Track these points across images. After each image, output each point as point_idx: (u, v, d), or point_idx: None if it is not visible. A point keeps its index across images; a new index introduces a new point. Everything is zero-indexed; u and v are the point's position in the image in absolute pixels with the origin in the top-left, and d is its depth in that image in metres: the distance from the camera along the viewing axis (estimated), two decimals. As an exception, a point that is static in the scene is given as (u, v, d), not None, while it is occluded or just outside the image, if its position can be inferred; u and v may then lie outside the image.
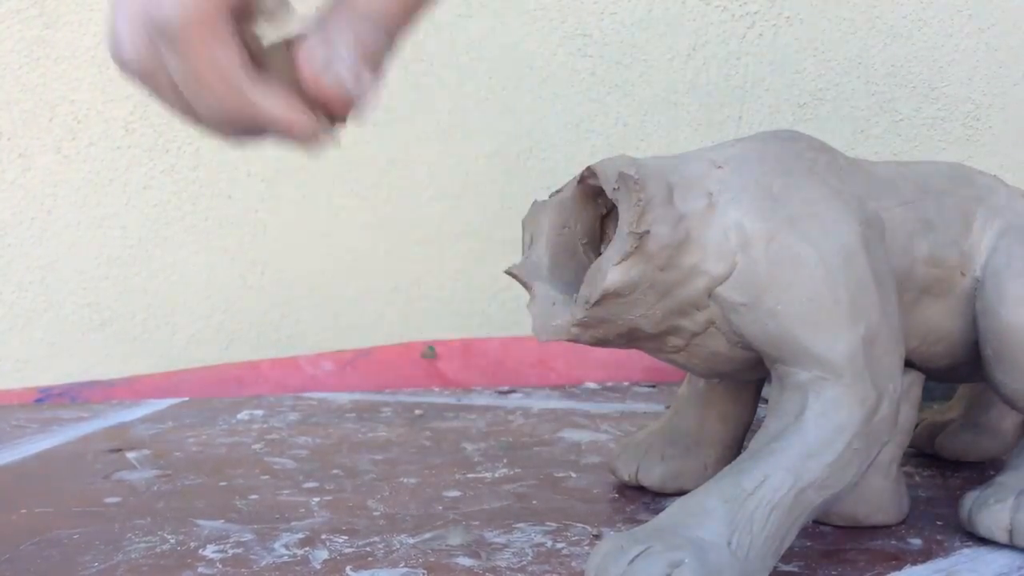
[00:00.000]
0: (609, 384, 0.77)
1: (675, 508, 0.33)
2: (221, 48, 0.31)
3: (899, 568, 0.36)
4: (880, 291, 0.35)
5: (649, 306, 0.34)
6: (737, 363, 0.37)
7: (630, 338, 0.36)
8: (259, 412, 0.65)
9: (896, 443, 0.40)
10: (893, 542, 0.39)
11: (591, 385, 0.76)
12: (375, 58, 0.33)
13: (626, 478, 0.46)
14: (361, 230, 0.80)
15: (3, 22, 0.74)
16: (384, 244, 0.80)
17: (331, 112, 0.33)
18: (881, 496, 0.40)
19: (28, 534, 0.40)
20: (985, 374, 0.40)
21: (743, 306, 0.34)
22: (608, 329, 0.35)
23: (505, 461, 0.52)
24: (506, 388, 0.76)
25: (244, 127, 0.32)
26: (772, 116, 0.81)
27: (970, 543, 0.39)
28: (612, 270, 0.33)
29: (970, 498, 0.40)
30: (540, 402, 0.69)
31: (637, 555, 0.30)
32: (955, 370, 0.42)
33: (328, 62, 0.32)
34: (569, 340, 0.36)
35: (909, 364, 0.41)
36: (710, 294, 0.34)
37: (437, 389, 0.76)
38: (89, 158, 0.76)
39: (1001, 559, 0.37)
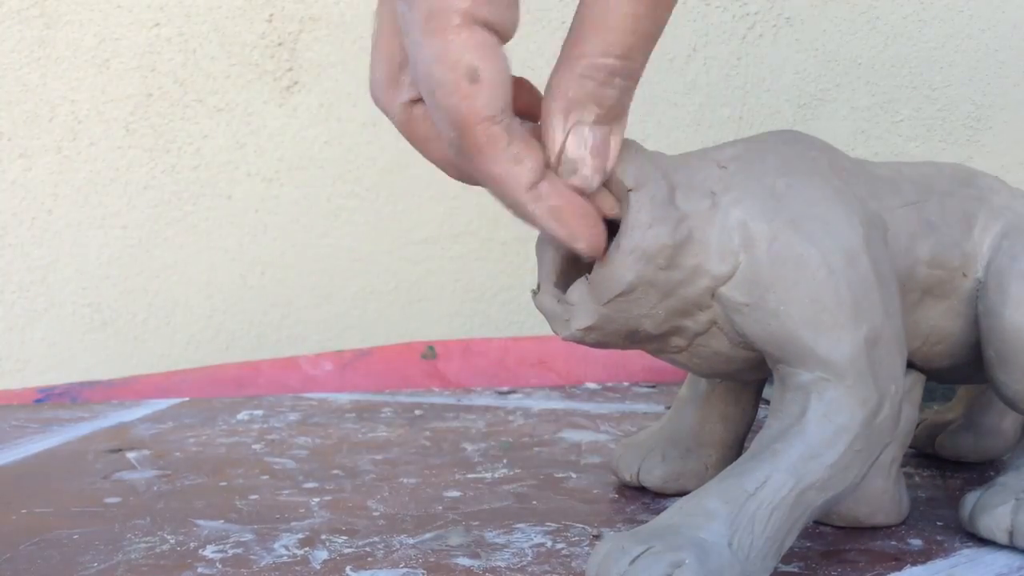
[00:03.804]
0: (609, 384, 0.77)
1: (676, 509, 0.33)
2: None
3: (899, 568, 0.36)
4: (883, 292, 0.35)
5: (651, 306, 0.34)
6: (739, 363, 0.37)
7: (632, 339, 0.36)
8: (259, 412, 0.65)
9: (897, 444, 0.40)
10: (893, 542, 0.39)
11: (591, 385, 0.76)
12: (613, 112, 0.31)
13: (628, 478, 0.46)
14: (361, 230, 0.80)
15: (3, 22, 0.74)
16: (384, 244, 0.80)
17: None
18: (881, 497, 0.40)
19: (27, 534, 0.40)
20: (987, 375, 0.40)
21: (746, 306, 0.34)
22: (611, 330, 0.35)
23: (505, 461, 0.52)
24: (506, 388, 0.76)
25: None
26: (772, 117, 0.81)
27: (970, 544, 0.39)
28: (617, 267, 0.33)
29: (971, 499, 0.40)
30: (540, 402, 0.69)
31: (638, 555, 0.30)
32: (956, 371, 0.42)
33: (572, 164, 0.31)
34: (572, 341, 0.36)
35: (910, 365, 0.41)
36: (713, 294, 0.34)
37: (437, 389, 0.76)
38: (90, 158, 0.76)
39: (1001, 560, 0.37)
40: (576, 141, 0.31)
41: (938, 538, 0.39)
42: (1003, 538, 0.38)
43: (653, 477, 0.45)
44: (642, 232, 0.33)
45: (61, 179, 0.75)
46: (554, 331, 0.36)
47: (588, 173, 0.31)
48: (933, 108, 0.87)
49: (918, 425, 0.52)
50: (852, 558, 0.37)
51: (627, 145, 0.34)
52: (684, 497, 0.33)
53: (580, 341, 0.36)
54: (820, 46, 0.83)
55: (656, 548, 0.30)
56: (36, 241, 0.75)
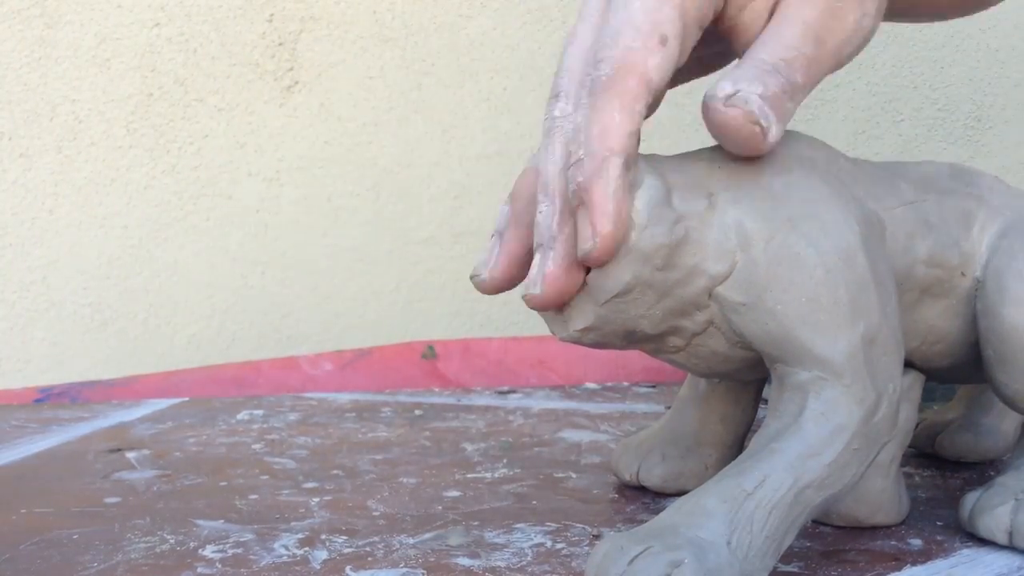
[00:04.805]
0: (609, 384, 0.77)
1: (675, 508, 0.33)
2: None
3: (899, 568, 0.36)
4: (880, 291, 0.35)
5: (649, 306, 0.34)
6: (737, 363, 0.37)
7: (630, 339, 0.36)
8: (259, 412, 0.65)
9: (896, 443, 0.40)
10: (893, 542, 0.39)
11: (591, 385, 0.76)
12: (778, 103, 0.33)
13: (627, 478, 0.46)
14: (362, 230, 0.80)
15: (4, 22, 0.74)
16: (385, 244, 0.80)
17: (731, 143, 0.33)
18: (881, 496, 0.40)
19: (27, 534, 0.40)
20: (986, 375, 0.40)
21: (743, 306, 0.34)
22: (608, 330, 0.35)
23: (505, 461, 0.52)
24: (506, 388, 0.76)
25: None
26: (773, 116, 0.81)
27: (970, 544, 0.39)
28: (613, 268, 0.33)
29: (971, 499, 0.40)
30: (540, 402, 0.69)
31: (637, 555, 0.30)
32: (955, 370, 0.42)
33: (733, 94, 0.32)
34: (570, 341, 0.36)
35: (909, 364, 0.41)
36: (710, 294, 0.34)
37: (437, 389, 0.76)
38: (90, 158, 0.76)
39: (1001, 560, 0.37)
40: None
41: (938, 538, 0.39)
42: (1003, 538, 0.38)
43: (653, 477, 0.45)
44: (638, 233, 0.33)
45: (61, 179, 0.75)
46: (552, 332, 0.36)
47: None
48: (933, 108, 0.87)
49: (918, 425, 0.52)
50: (852, 558, 0.37)
51: None
52: (683, 497, 0.33)
53: (577, 342, 0.36)
54: (820, 46, 0.83)
55: (655, 548, 0.30)
56: (36, 241, 0.75)
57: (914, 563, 0.37)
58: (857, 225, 0.35)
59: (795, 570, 0.36)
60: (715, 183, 0.35)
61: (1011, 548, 0.38)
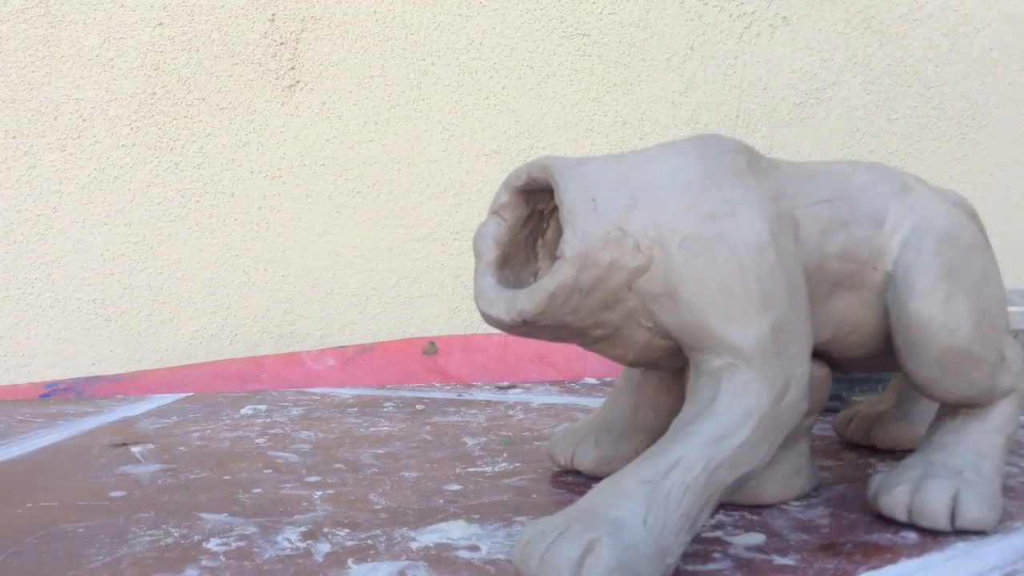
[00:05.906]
0: (608, 379, 0.77)
1: (596, 491, 0.34)
2: None
3: (894, 561, 0.36)
4: (788, 283, 0.37)
5: (575, 304, 0.36)
6: (659, 351, 0.39)
7: (557, 334, 0.38)
8: (262, 407, 0.66)
9: (803, 425, 0.42)
10: (888, 535, 0.39)
11: (590, 380, 0.77)
12: None
13: (562, 463, 0.48)
14: (363, 227, 0.80)
15: (8, 21, 0.74)
16: (386, 241, 0.81)
17: None
18: (788, 474, 0.42)
19: (33, 528, 0.40)
20: (898, 362, 0.42)
21: (661, 297, 0.36)
22: (542, 325, 0.37)
23: (505, 455, 0.52)
24: (506, 383, 0.76)
25: None
26: (769, 115, 0.81)
27: (965, 537, 0.39)
28: (557, 275, 0.36)
29: (875, 480, 0.42)
30: (540, 397, 0.69)
31: (556, 537, 0.32)
32: (872, 359, 0.44)
33: None
34: (498, 327, 0.38)
35: (827, 354, 0.43)
36: (630, 287, 0.37)
37: (438, 384, 0.76)
38: (94, 156, 0.76)
39: (995, 553, 0.37)
40: None
41: (932, 531, 0.40)
42: (903, 516, 0.40)
43: (586, 461, 0.47)
44: (573, 245, 0.35)
45: (65, 176, 0.76)
46: (480, 308, 0.38)
47: None
48: (928, 106, 0.87)
49: (851, 421, 0.54)
50: (848, 551, 0.37)
51: (560, 167, 0.37)
52: (604, 479, 0.35)
53: (508, 330, 0.38)
54: (816, 45, 0.84)
55: (574, 529, 0.32)
56: (41, 238, 0.76)
57: (909, 556, 0.37)
58: (768, 222, 0.37)
59: (792, 563, 0.36)
60: (638, 183, 0.37)
61: (1004, 540, 0.38)
